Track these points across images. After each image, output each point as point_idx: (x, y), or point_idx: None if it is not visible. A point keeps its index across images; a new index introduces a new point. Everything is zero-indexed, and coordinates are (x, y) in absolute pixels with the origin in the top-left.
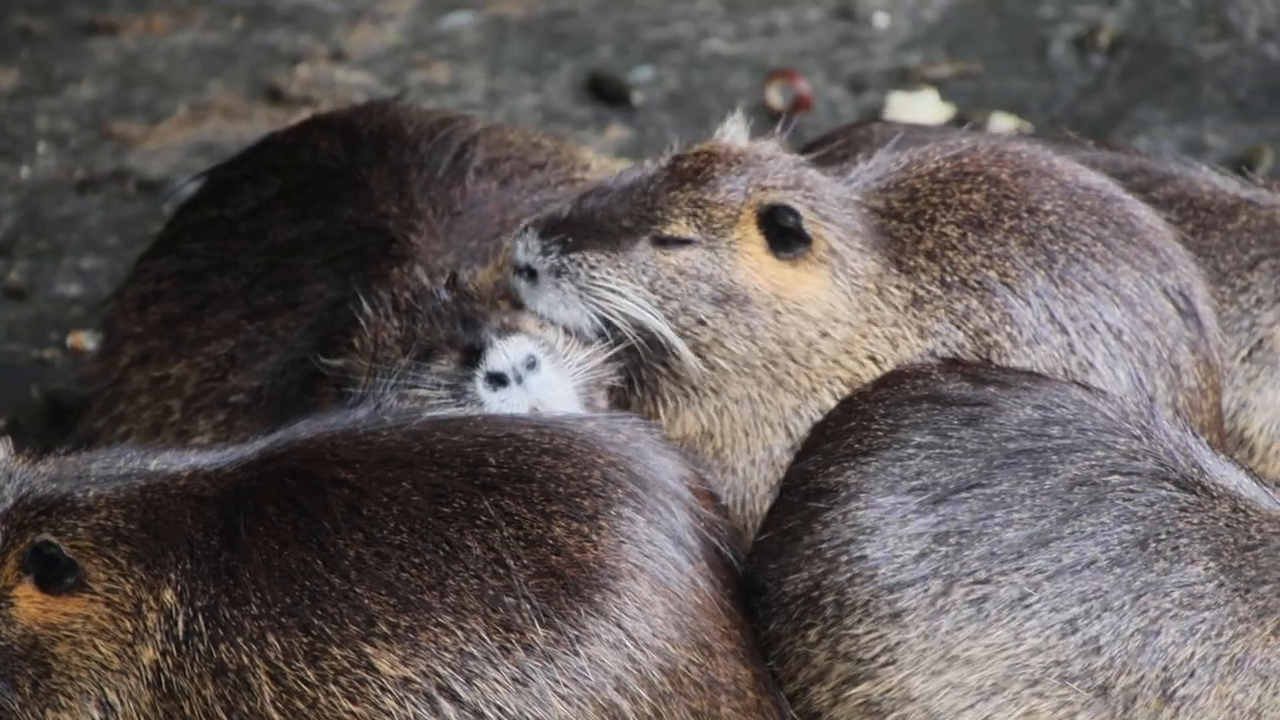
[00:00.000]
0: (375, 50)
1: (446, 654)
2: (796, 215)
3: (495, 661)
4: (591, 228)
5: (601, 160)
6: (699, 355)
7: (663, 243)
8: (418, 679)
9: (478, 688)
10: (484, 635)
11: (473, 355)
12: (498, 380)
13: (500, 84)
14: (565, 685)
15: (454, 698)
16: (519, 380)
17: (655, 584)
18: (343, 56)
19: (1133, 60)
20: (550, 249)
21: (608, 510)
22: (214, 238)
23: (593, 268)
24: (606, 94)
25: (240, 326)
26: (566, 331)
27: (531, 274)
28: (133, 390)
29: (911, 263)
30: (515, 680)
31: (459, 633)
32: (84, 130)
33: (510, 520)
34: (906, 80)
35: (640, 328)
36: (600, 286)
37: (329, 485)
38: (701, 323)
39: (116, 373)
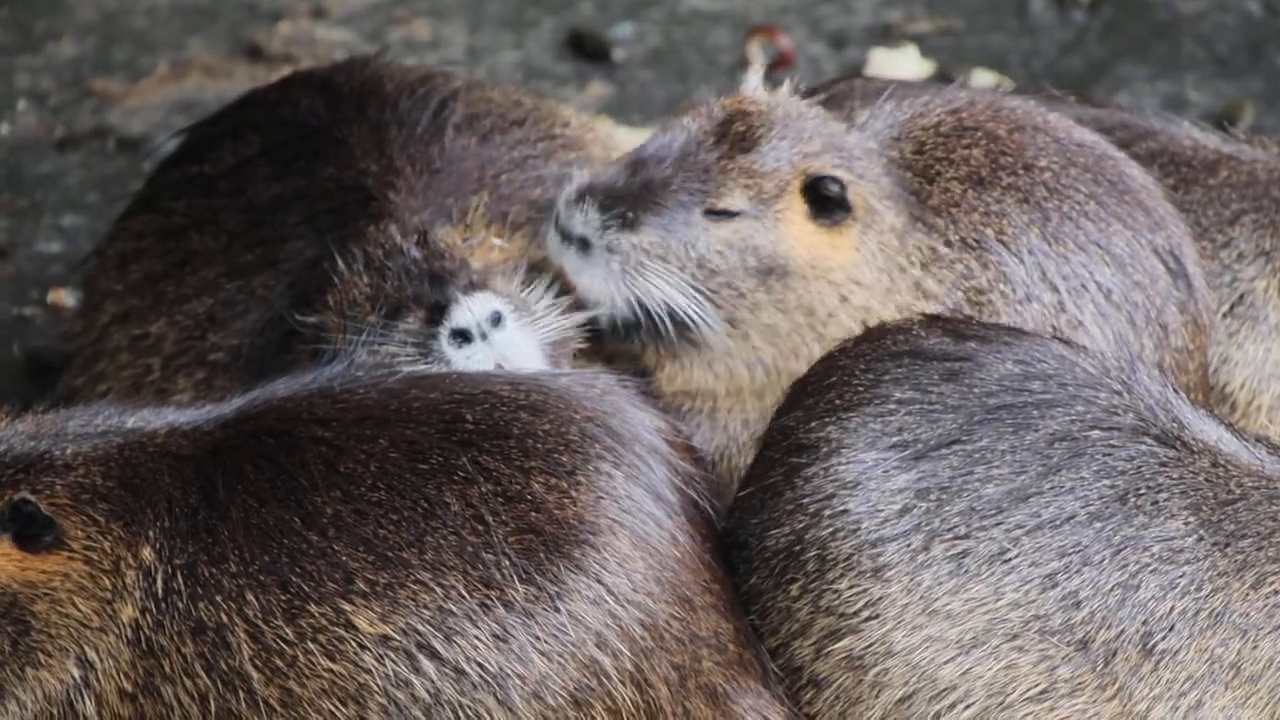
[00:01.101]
0: (356, 7)
1: (426, 611)
2: (842, 185)
3: (475, 618)
4: (649, 202)
5: (581, 117)
6: (732, 326)
7: (716, 215)
8: (397, 636)
9: (457, 645)
10: (463, 592)
11: (438, 312)
12: (462, 337)
13: (481, 40)
14: (546, 641)
15: (434, 655)
16: (484, 337)
17: (635, 539)
18: (323, 13)
19: (1114, 16)
20: (609, 224)
21: (586, 465)
22: (194, 195)
23: (644, 251)
24: (587, 51)
25: (220, 285)
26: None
27: (584, 245)
28: (113, 348)
29: (926, 218)
30: (495, 637)
31: (438, 590)
32: (64, 88)
33: (488, 476)
34: (888, 36)
35: (673, 313)
36: (648, 272)
37: (306, 443)
38: (742, 295)
39: (96, 331)
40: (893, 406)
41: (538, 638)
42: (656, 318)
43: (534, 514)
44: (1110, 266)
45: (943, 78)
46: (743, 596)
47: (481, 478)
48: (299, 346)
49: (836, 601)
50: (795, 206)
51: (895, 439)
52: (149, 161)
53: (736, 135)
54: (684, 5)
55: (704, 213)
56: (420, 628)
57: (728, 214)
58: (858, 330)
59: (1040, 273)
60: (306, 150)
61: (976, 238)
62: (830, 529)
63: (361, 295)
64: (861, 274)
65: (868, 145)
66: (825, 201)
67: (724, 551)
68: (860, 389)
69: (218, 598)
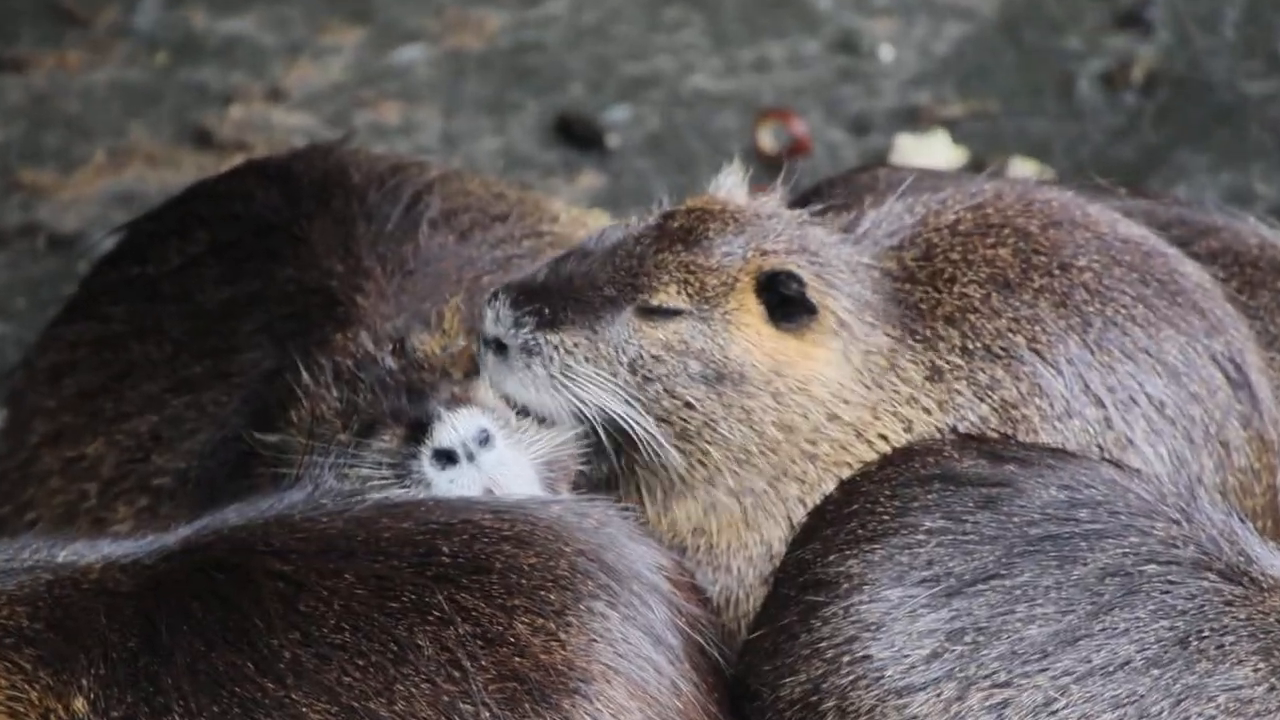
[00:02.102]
0: (316, 88)
1: None
2: (800, 282)
3: None
4: (569, 298)
5: (572, 211)
6: (687, 442)
7: (649, 314)
8: None
9: None
10: None
11: (418, 430)
12: (446, 458)
13: (458, 125)
14: None
15: None
16: (470, 458)
17: (632, 688)
18: (280, 95)
19: (1170, 98)
20: (524, 321)
21: (577, 605)
22: (135, 300)
23: (569, 353)
24: (578, 136)
25: (165, 400)
26: (530, 414)
27: (501, 348)
28: (43, 472)
29: (929, 331)
30: None
31: None
32: None
33: (467, 616)
34: (915, 121)
35: (613, 423)
36: (575, 375)
37: (261, 578)
38: (689, 406)
39: (25, 452)
40: (922, 537)
41: None
42: (604, 433)
43: (518, 659)
44: (1163, 377)
45: (977, 167)
46: None
47: (459, 618)
48: (258, 470)
49: None
50: (749, 307)
51: (925, 574)
52: (84, 261)
53: (680, 230)
54: (686, 85)
55: (636, 311)
56: None
57: (664, 312)
58: (853, 445)
59: (1082, 384)
60: (262, 249)
61: (1004, 346)
62: (851, 676)
63: (330, 411)
64: (848, 392)
65: (854, 259)
66: (785, 303)
67: (733, 703)
68: (885, 518)
69: None
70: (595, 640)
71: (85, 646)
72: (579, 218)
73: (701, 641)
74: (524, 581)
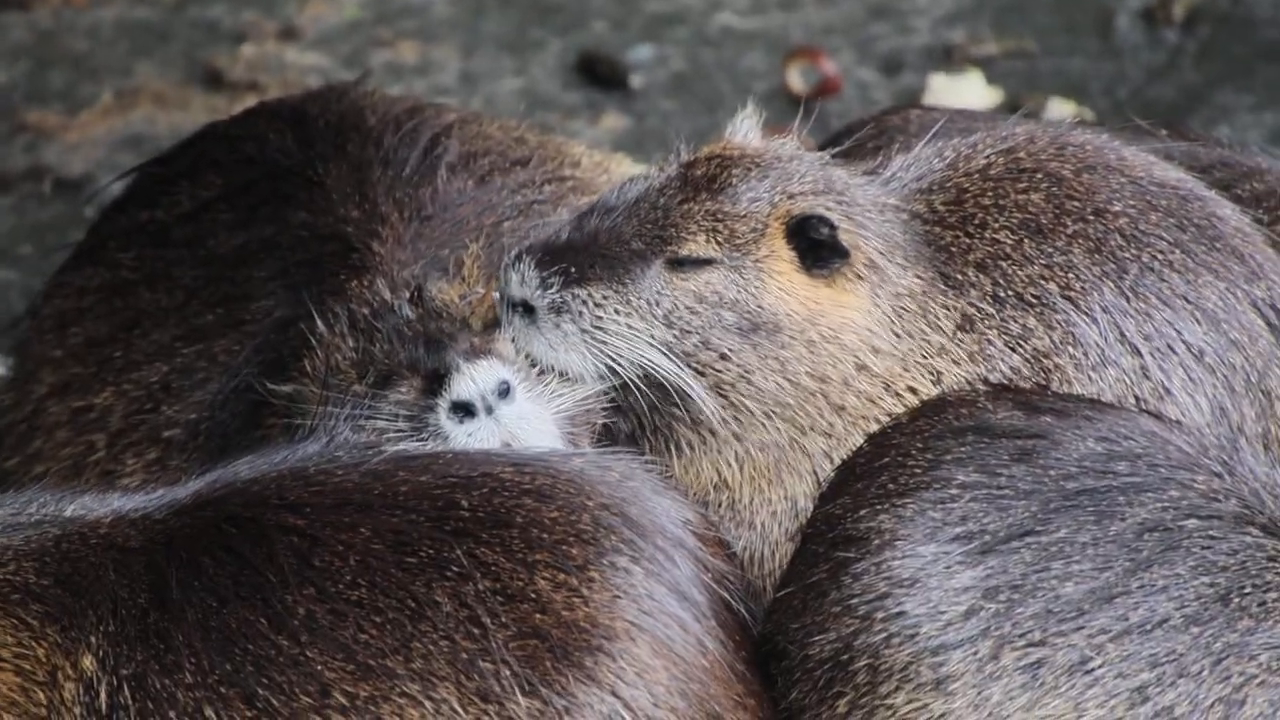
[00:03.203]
0: (331, 26)
1: None
2: (831, 225)
3: None
4: (596, 254)
5: (594, 155)
6: (721, 395)
7: (679, 265)
8: None
9: None
10: (457, 707)
11: (436, 382)
12: (464, 410)
13: (477, 65)
14: None
15: None
16: (489, 411)
17: (656, 645)
18: (294, 34)
19: (1212, 36)
20: (551, 282)
21: (599, 560)
22: (145, 246)
23: (599, 305)
24: (600, 76)
25: (175, 349)
26: (561, 374)
27: (528, 310)
28: (50, 423)
29: (960, 276)
30: None
31: (427, 704)
32: None
33: (486, 572)
34: (949, 60)
35: (649, 376)
36: (607, 329)
37: (275, 533)
38: (725, 358)
39: (31, 403)
40: (955, 491)
41: None
42: (635, 388)
43: (539, 616)
44: (1201, 324)
45: (1012, 107)
46: (782, 713)
47: (478, 573)
48: (270, 421)
49: (891, 719)
50: (780, 254)
51: (958, 529)
52: (91, 206)
53: (704, 179)
54: (712, 23)
55: (666, 263)
56: None
57: (695, 262)
58: (881, 399)
59: (1117, 332)
60: (275, 193)
61: (1036, 294)
62: (883, 634)
63: (346, 361)
64: (878, 340)
65: (882, 199)
66: (816, 247)
67: (760, 661)
68: (917, 471)
69: (171, 713)
70: (619, 597)
71: (94, 602)
72: (601, 162)
73: (728, 598)
74: (545, 536)
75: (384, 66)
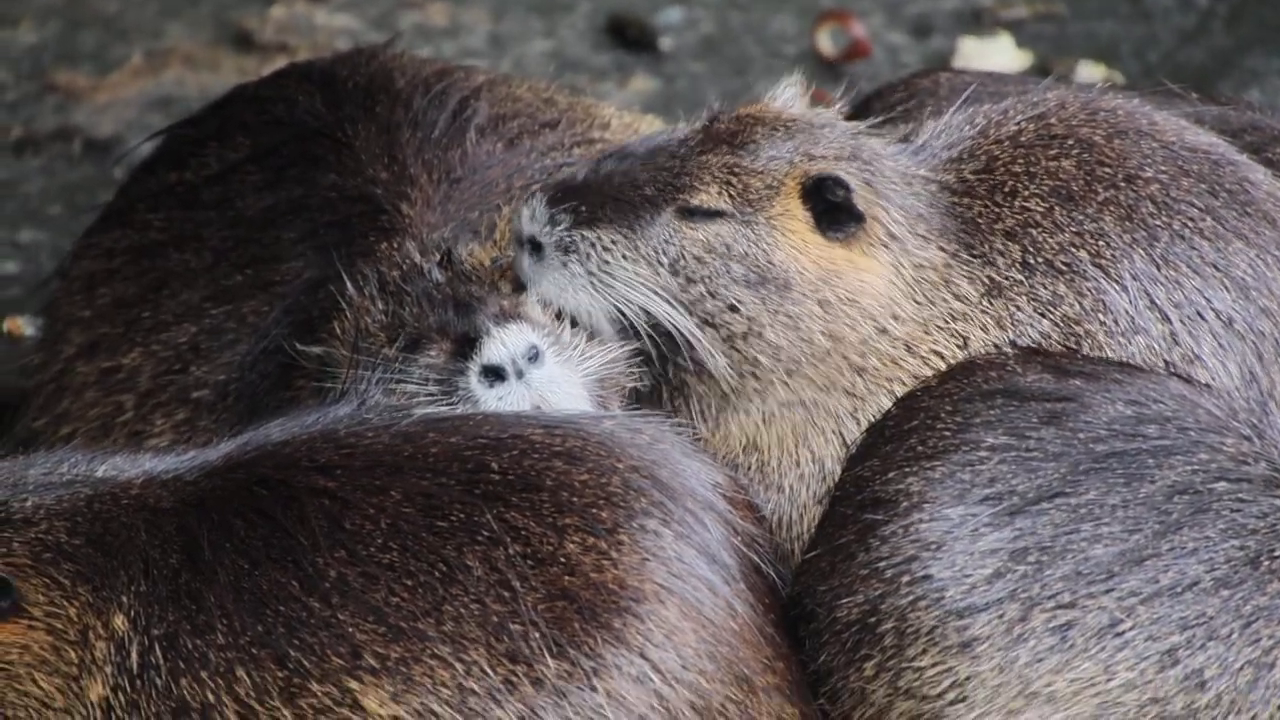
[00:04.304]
0: None
1: (444, 690)
2: (847, 188)
3: (500, 698)
4: (608, 196)
5: (624, 117)
6: (733, 349)
7: (689, 214)
8: (410, 718)
9: None
10: (487, 668)
11: (466, 345)
12: (494, 374)
13: (506, 27)
14: None
15: None
16: (519, 375)
17: (685, 608)
18: None
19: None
20: (559, 219)
21: (629, 523)
22: (173, 207)
23: (606, 249)
24: (630, 39)
25: (204, 310)
26: (573, 320)
27: (536, 248)
28: (79, 384)
29: (988, 246)
30: None
31: (458, 665)
32: (22, 82)
33: (516, 535)
34: (979, 23)
35: (656, 323)
36: (613, 272)
37: (306, 495)
38: (733, 308)
39: (60, 363)
40: (984, 454)
41: None
42: (646, 336)
43: (568, 578)
44: (1231, 291)
45: (1042, 70)
46: (810, 676)
47: (508, 537)
48: (298, 383)
49: (918, 682)
50: (794, 213)
51: (987, 491)
52: (120, 167)
53: (726, 133)
54: None
55: (676, 211)
56: (438, 709)
57: (705, 213)
58: (904, 360)
59: (1148, 300)
60: (304, 155)
61: (1066, 261)
62: (910, 597)
63: (375, 324)
64: (899, 307)
65: (910, 171)
66: (833, 210)
67: (789, 624)
68: (946, 434)
69: (203, 673)
70: (648, 559)
71: (126, 563)
72: (631, 124)
73: (757, 560)
74: (575, 499)
75: (413, 29)
